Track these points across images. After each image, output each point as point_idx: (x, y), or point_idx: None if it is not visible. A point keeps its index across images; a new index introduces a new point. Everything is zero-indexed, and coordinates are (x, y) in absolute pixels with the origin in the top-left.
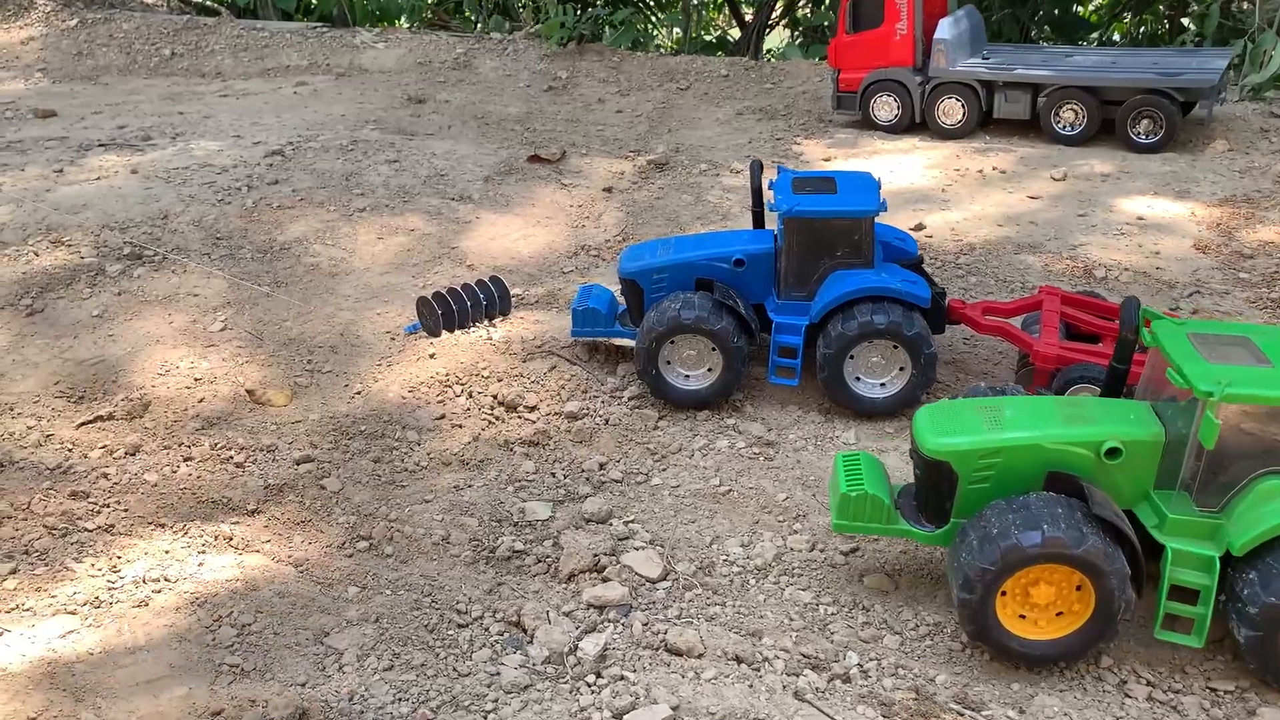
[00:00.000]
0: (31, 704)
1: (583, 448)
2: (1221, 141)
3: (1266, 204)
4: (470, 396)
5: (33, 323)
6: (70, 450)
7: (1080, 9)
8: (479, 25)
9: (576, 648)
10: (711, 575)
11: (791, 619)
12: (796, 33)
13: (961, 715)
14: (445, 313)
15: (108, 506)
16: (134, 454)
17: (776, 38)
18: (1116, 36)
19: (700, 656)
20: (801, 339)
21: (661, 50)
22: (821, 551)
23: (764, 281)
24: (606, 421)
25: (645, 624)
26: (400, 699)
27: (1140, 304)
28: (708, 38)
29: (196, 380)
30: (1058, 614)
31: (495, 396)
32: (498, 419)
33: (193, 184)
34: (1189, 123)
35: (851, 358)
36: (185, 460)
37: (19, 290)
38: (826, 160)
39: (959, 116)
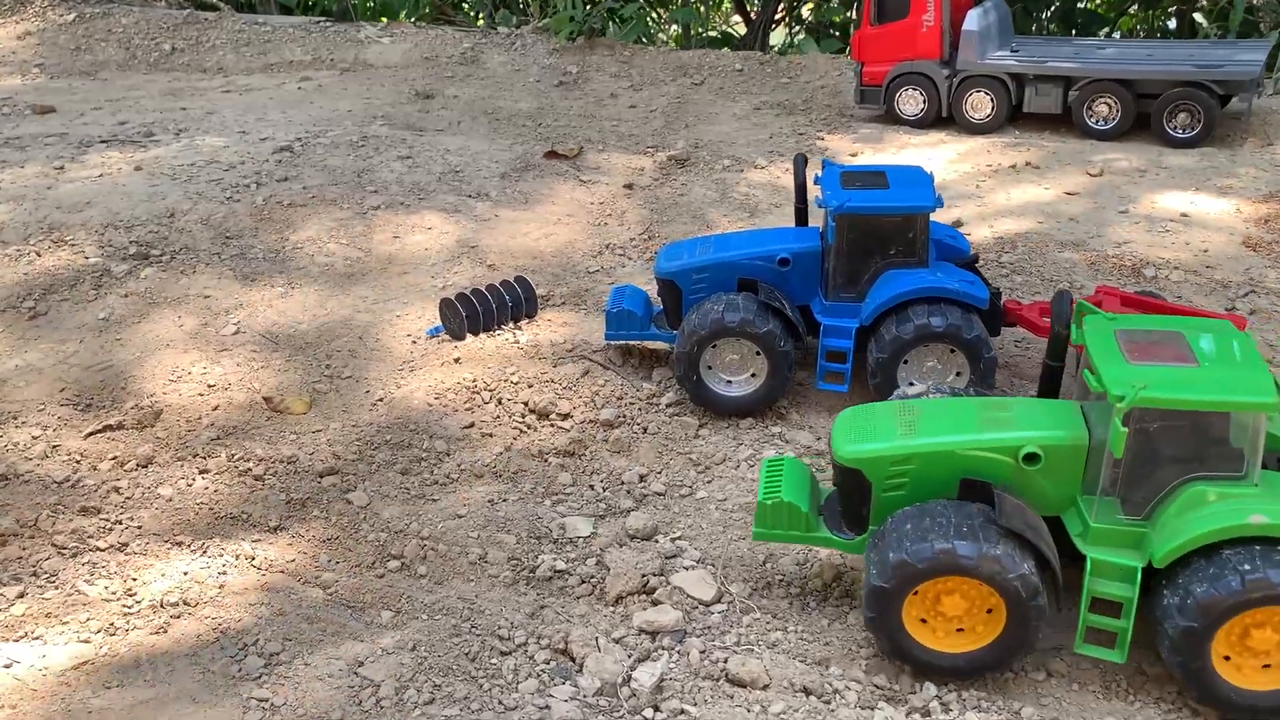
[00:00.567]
0: None
1: (621, 458)
2: (1258, 136)
3: None
4: (500, 404)
5: (36, 326)
6: (79, 462)
7: (1087, 3)
8: (482, 20)
9: (630, 678)
10: (768, 597)
11: (860, 645)
12: (798, 28)
13: None
14: (470, 315)
15: (120, 523)
16: (146, 466)
17: (779, 35)
18: (1118, 35)
19: (765, 688)
20: (851, 342)
21: (668, 45)
22: None
23: (809, 282)
24: (645, 430)
25: (703, 651)
26: None
27: (1072, 297)
28: (712, 33)
29: (210, 387)
30: (960, 628)
31: (526, 404)
32: (530, 428)
33: (199, 181)
34: (1225, 116)
35: (905, 362)
36: (201, 473)
37: (21, 292)
38: (854, 155)
39: (988, 110)
